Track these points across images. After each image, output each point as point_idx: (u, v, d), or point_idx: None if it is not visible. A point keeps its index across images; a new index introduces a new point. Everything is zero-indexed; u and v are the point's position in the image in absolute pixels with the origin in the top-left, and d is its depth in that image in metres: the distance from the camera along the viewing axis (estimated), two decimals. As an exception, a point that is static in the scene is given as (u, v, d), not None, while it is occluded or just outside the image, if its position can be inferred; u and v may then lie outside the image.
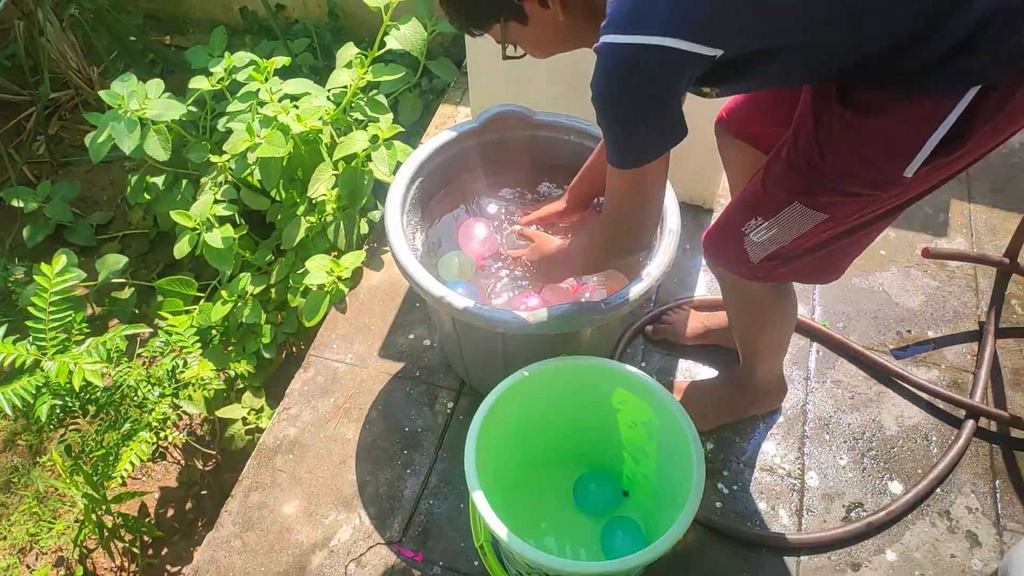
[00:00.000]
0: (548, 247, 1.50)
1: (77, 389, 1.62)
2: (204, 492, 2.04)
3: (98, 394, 1.71)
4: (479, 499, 1.24)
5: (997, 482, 1.66)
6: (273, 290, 2.13)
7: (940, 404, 1.77)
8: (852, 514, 1.61)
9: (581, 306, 1.37)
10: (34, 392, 1.57)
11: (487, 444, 1.33)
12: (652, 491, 1.51)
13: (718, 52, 0.96)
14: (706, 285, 2.00)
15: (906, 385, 1.80)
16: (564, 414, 1.51)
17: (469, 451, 1.29)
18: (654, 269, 1.42)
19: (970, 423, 1.71)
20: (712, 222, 1.52)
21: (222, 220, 2.05)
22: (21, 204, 2.44)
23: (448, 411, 1.75)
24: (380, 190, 2.29)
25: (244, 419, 2.01)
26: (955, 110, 0.99)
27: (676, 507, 1.28)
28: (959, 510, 1.62)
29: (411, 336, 1.89)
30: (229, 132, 2.13)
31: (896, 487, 1.65)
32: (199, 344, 1.88)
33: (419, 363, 1.84)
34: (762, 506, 1.62)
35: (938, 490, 1.64)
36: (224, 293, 2.06)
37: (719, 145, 1.58)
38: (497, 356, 1.56)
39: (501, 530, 1.21)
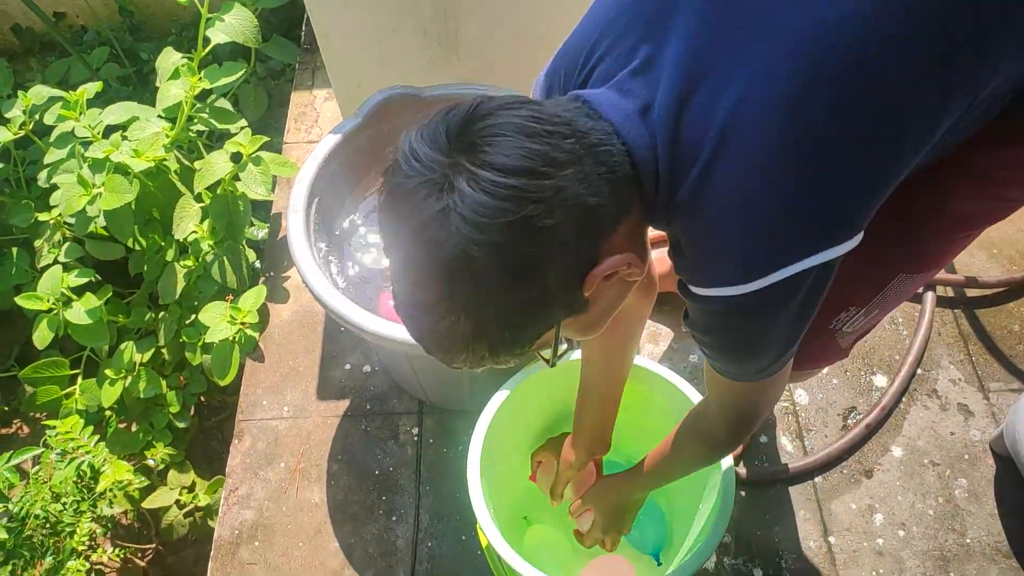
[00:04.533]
0: (611, 485, 1.21)
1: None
2: (155, 590, 1.80)
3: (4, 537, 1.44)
4: (500, 547, 1.11)
5: (970, 346, 1.66)
6: (165, 350, 1.85)
7: (896, 283, 1.75)
8: (849, 420, 1.58)
9: None
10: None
11: (485, 473, 1.19)
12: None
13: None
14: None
15: (858, 272, 1.77)
16: (555, 415, 1.37)
17: (476, 496, 1.14)
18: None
19: (929, 295, 1.70)
20: None
21: (80, 290, 1.73)
22: None
23: (415, 438, 1.57)
24: (257, 205, 2.01)
25: (178, 502, 1.76)
26: None
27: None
28: (944, 385, 1.62)
29: (347, 367, 1.68)
30: (54, 186, 1.79)
31: (881, 380, 1.63)
32: (99, 438, 1.63)
33: (366, 394, 1.64)
34: (763, 440, 1.56)
35: (919, 370, 1.63)
36: (109, 372, 1.76)
37: None
38: (461, 373, 1.39)
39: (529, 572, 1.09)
